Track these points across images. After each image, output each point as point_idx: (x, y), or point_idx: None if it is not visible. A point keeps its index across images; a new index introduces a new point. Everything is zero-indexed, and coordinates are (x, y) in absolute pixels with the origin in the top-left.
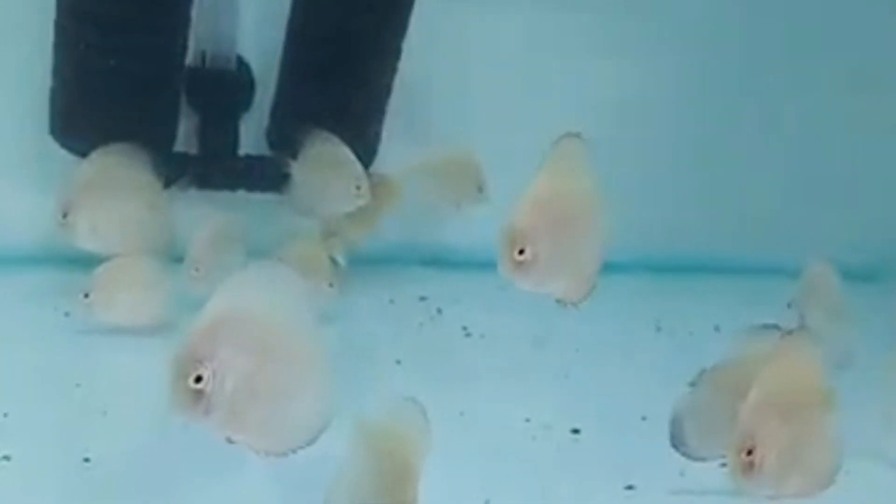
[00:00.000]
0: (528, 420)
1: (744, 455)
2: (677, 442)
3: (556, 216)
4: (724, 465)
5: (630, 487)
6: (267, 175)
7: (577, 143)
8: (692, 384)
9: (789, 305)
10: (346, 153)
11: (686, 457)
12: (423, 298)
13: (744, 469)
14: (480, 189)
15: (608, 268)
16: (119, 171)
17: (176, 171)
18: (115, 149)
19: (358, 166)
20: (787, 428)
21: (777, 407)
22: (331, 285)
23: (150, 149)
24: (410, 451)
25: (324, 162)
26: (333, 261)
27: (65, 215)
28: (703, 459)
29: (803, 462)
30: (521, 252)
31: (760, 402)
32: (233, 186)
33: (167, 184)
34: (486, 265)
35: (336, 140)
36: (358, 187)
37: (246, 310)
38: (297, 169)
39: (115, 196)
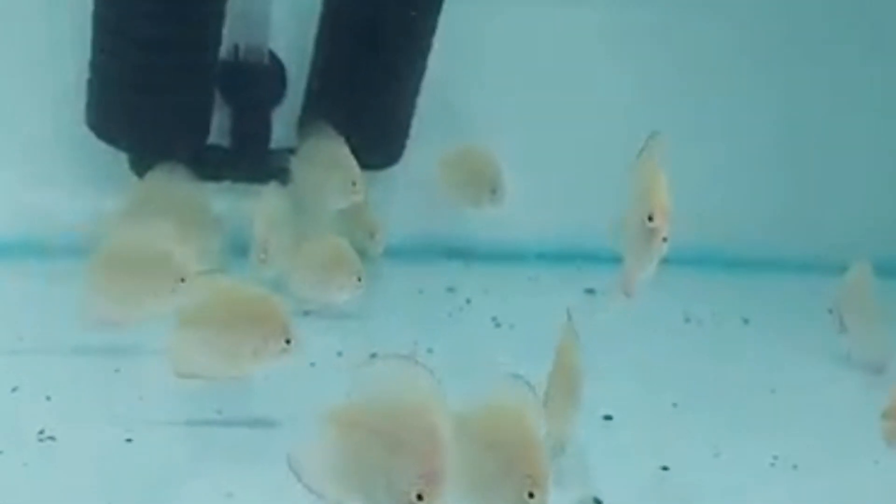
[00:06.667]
0: None
1: None
2: None
3: None
4: None
5: (665, 468)
6: None
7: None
8: None
9: (830, 311)
10: (343, 150)
11: None
12: (451, 290)
13: None
14: (494, 191)
15: None
16: (171, 189)
17: (209, 163)
18: (168, 168)
19: (354, 164)
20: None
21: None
22: (359, 280)
23: (185, 140)
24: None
25: (320, 158)
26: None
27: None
28: None
29: None
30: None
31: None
32: (265, 179)
33: (201, 176)
34: (514, 257)
35: (335, 136)
36: (354, 183)
37: None
38: (295, 164)
39: (166, 210)
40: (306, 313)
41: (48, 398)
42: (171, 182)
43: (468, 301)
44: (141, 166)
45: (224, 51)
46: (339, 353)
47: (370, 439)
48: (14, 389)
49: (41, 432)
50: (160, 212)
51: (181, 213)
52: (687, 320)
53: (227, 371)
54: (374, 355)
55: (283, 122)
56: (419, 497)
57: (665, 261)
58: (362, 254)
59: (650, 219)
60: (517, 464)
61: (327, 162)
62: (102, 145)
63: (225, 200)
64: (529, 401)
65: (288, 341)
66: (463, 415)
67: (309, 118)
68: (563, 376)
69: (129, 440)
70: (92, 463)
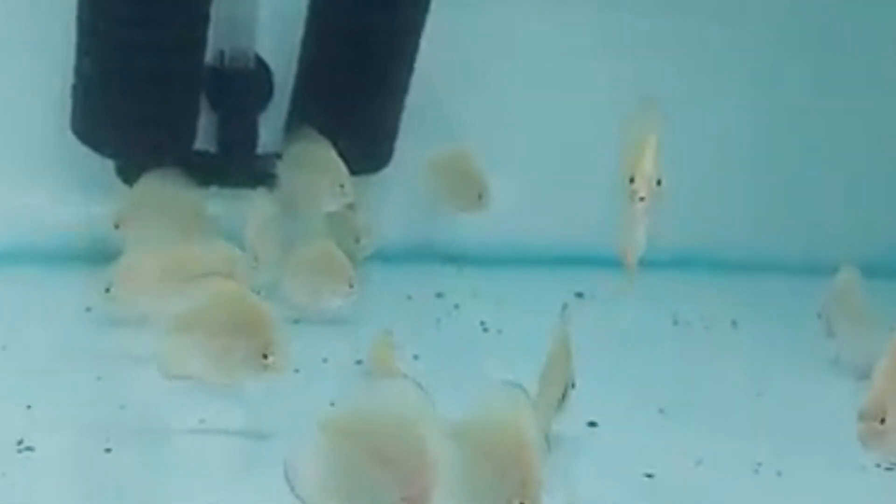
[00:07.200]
0: None
1: None
2: None
3: None
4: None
5: (649, 476)
6: None
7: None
8: None
9: (819, 316)
10: (331, 153)
11: None
12: (439, 295)
13: None
14: (480, 196)
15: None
16: (166, 191)
17: (196, 168)
18: (165, 173)
19: (341, 167)
20: None
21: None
22: (351, 286)
23: (171, 146)
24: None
25: (308, 161)
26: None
27: (117, 226)
28: None
29: None
30: None
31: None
32: (252, 184)
33: (189, 181)
34: (504, 261)
35: (321, 139)
36: (342, 186)
37: None
38: (281, 168)
39: (161, 212)
40: (296, 321)
41: (28, 407)
42: (166, 186)
43: (456, 306)
44: (127, 172)
45: (210, 55)
46: (325, 360)
47: (358, 454)
48: None
49: (20, 442)
50: (156, 215)
51: (178, 217)
52: (675, 323)
53: (215, 378)
54: (359, 362)
55: (269, 127)
56: None
57: (654, 263)
58: (349, 258)
59: (632, 180)
60: (510, 471)
61: (315, 165)
62: (89, 151)
63: (212, 205)
64: (524, 407)
65: (276, 354)
66: (457, 420)
67: (296, 122)
68: (552, 377)
69: (108, 450)
70: (71, 473)
